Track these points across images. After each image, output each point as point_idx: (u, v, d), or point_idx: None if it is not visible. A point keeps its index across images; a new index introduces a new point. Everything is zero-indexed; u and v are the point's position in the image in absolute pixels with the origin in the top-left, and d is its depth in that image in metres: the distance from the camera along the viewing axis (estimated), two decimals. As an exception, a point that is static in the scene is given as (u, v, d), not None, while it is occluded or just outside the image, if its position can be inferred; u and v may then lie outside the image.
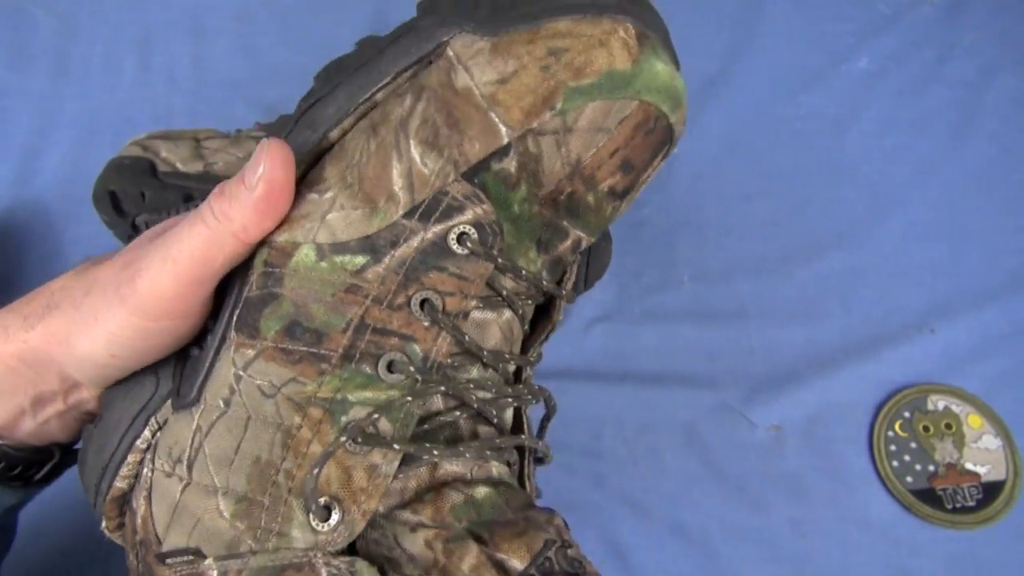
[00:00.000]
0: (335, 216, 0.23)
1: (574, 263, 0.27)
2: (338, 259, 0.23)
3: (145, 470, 0.24)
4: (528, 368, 0.26)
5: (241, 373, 0.22)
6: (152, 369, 0.26)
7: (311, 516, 0.20)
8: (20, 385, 0.26)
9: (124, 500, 0.25)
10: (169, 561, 0.22)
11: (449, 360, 0.23)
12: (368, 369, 0.21)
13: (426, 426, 0.22)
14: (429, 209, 0.22)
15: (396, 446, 0.21)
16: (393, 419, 0.21)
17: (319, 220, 0.23)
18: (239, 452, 0.21)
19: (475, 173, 0.23)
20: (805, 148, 0.51)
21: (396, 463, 0.21)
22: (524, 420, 0.26)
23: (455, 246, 0.22)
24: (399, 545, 0.21)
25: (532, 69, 0.22)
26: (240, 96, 0.53)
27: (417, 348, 0.22)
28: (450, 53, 0.23)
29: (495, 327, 0.24)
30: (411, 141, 0.23)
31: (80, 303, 0.25)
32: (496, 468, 0.23)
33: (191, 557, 0.21)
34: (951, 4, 0.56)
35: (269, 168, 0.23)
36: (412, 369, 0.22)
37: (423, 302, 0.22)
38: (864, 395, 0.44)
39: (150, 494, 0.23)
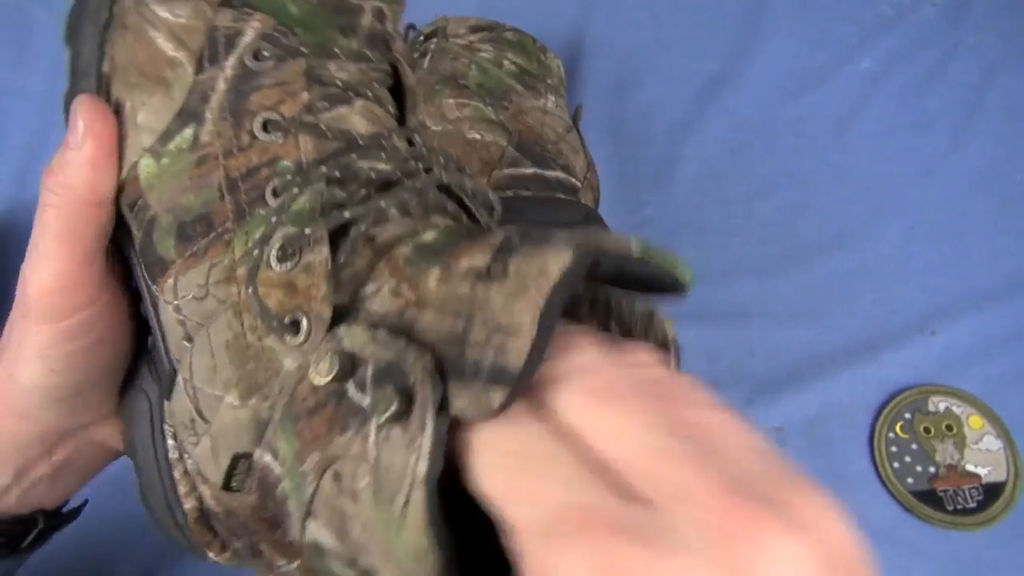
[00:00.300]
0: (143, 115, 0.23)
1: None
2: (172, 146, 0.22)
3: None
4: (416, 138, 0.25)
5: (177, 302, 0.22)
6: (138, 387, 0.26)
7: (285, 338, 0.20)
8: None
9: (204, 515, 0.24)
10: (234, 485, 0.22)
11: (327, 157, 0.22)
12: (261, 210, 0.21)
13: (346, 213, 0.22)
14: (212, 51, 0.22)
15: (307, 229, 0.20)
16: (298, 219, 0.21)
17: (135, 130, 0.23)
18: (215, 355, 0.21)
19: (223, 0, 0.23)
20: (807, 149, 0.51)
21: (324, 248, 0.20)
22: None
23: (255, 64, 0.22)
24: (371, 315, 0.20)
25: None
26: (241, 96, 0.53)
27: (286, 162, 0.22)
28: None
29: (354, 117, 0.23)
30: (152, 7, 0.23)
31: (2, 345, 0.25)
32: (440, 221, 0.23)
33: (245, 465, 0.21)
34: (953, 5, 0.56)
35: (89, 120, 0.23)
36: (290, 178, 0.21)
37: (264, 124, 0.22)
38: (865, 396, 0.44)
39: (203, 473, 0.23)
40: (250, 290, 0.21)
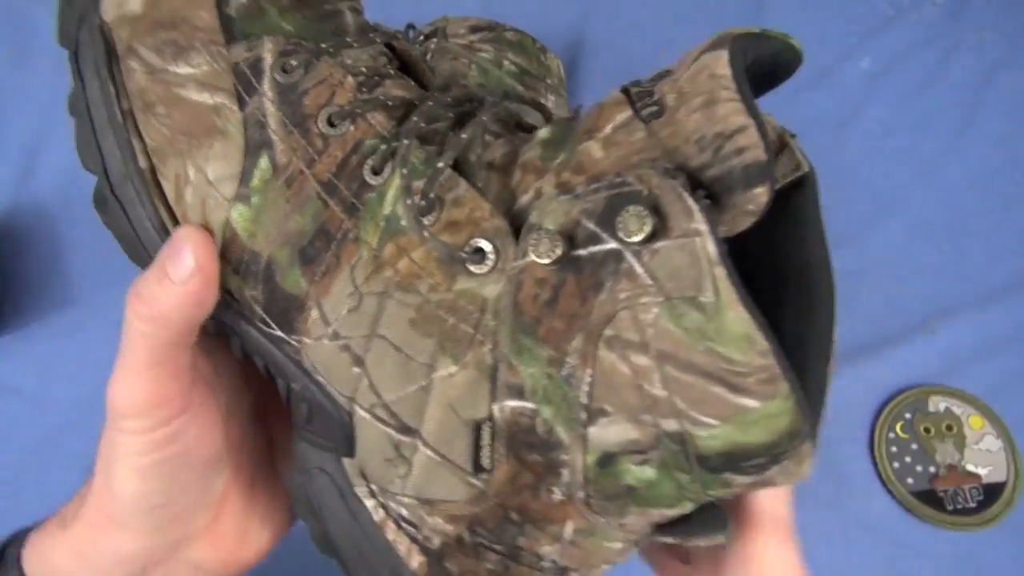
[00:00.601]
0: (213, 169, 0.22)
1: None
2: (255, 182, 0.22)
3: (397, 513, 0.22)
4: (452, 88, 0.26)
5: (332, 328, 0.21)
6: (305, 471, 0.24)
7: (475, 269, 0.20)
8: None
9: (436, 561, 0.22)
10: (484, 463, 0.21)
11: (402, 118, 0.23)
12: (369, 195, 0.21)
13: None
14: (244, 84, 0.22)
15: (432, 172, 0.20)
16: (420, 173, 0.21)
17: (211, 188, 0.22)
18: (403, 346, 0.21)
19: (228, 39, 0.23)
20: (807, 148, 0.51)
21: (459, 179, 0.21)
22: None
23: (288, 77, 0.22)
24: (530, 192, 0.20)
25: None
26: (241, 96, 0.53)
27: (368, 141, 0.22)
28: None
29: (395, 89, 0.23)
30: (171, 69, 0.22)
31: (97, 470, 0.24)
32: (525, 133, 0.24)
33: (488, 432, 0.20)
34: (954, 4, 0.56)
35: (201, 257, 0.22)
36: (384, 148, 0.22)
37: (329, 119, 0.22)
38: (865, 396, 0.44)
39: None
40: (425, 241, 0.20)
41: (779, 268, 0.21)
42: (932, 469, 0.43)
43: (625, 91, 0.19)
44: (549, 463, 0.19)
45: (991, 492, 0.42)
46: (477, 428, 0.20)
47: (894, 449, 0.43)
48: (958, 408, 0.44)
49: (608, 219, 0.17)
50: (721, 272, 0.16)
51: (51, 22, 0.59)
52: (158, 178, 0.23)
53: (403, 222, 0.21)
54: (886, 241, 0.49)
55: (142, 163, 0.23)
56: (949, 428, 0.44)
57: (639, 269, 0.17)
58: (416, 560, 0.22)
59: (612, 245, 0.17)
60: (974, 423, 0.44)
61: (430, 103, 0.22)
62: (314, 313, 0.22)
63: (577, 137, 0.20)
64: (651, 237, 0.17)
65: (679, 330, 0.17)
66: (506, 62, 0.45)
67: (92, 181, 0.44)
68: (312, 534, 0.25)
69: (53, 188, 0.51)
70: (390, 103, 0.22)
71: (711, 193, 0.17)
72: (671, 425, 0.18)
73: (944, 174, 0.51)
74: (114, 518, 0.24)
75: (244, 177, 0.22)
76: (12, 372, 0.46)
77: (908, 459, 0.43)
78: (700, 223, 0.16)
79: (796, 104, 0.53)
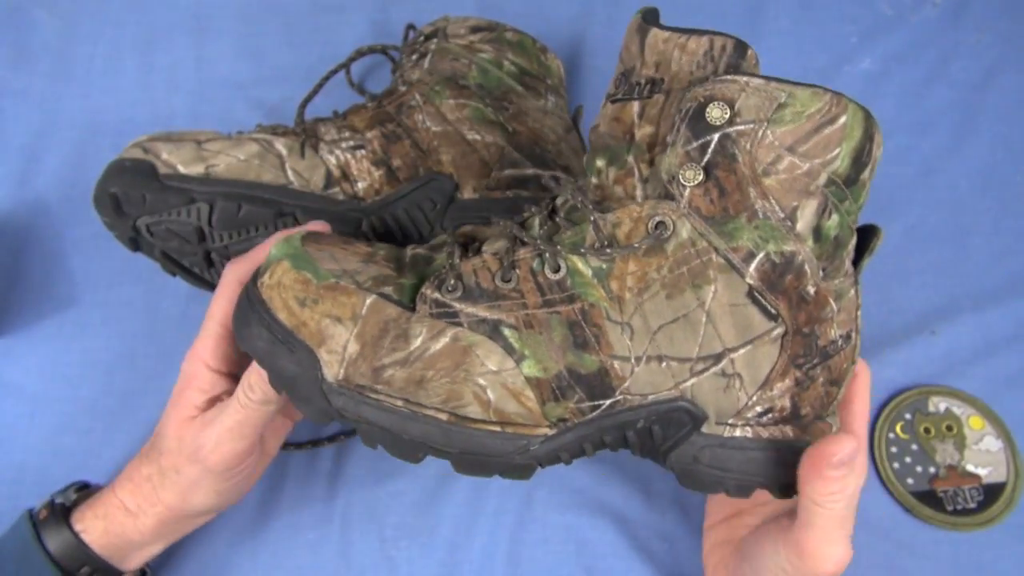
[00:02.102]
0: (490, 364, 0.30)
1: None
2: (516, 345, 0.30)
3: None
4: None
5: (633, 356, 0.30)
6: (692, 466, 0.32)
7: (665, 235, 0.28)
8: (162, 536, 0.37)
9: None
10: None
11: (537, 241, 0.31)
12: (569, 283, 0.30)
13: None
14: (445, 316, 0.30)
15: (592, 216, 0.30)
16: (577, 239, 0.30)
17: (501, 375, 0.30)
18: (676, 313, 0.29)
19: (410, 307, 0.31)
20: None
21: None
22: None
23: (453, 292, 0.31)
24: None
25: None
26: (242, 97, 0.53)
27: (535, 265, 0.30)
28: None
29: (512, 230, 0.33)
30: (410, 350, 0.30)
31: (176, 482, 0.34)
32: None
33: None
34: (954, 5, 0.56)
35: None
36: (548, 257, 0.30)
37: (503, 279, 0.30)
38: (865, 397, 0.44)
39: None
40: (628, 256, 0.29)
41: None
42: (932, 469, 0.43)
43: (613, 99, 0.31)
44: (797, 273, 0.28)
45: (991, 492, 0.42)
46: (751, 296, 0.28)
47: (894, 449, 0.43)
48: (958, 408, 0.44)
49: (700, 126, 0.28)
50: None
51: (51, 22, 0.59)
52: (459, 412, 0.30)
53: (604, 266, 0.29)
54: (886, 241, 0.49)
55: (443, 416, 0.30)
56: (949, 428, 0.44)
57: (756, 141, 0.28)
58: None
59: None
60: (974, 423, 0.44)
61: (527, 217, 0.32)
62: (615, 365, 0.29)
63: (617, 141, 0.31)
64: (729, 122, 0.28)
65: (785, 127, 0.27)
66: (506, 62, 0.45)
67: (92, 181, 0.44)
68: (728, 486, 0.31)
69: (53, 188, 0.51)
70: (525, 239, 0.31)
71: None
72: (821, 178, 0.28)
73: (944, 174, 0.51)
74: (185, 516, 0.36)
75: (507, 349, 0.30)
76: (12, 372, 0.46)
77: (908, 459, 0.43)
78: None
79: (796, 104, 0.52)
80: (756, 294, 0.28)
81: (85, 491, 0.38)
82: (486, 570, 0.41)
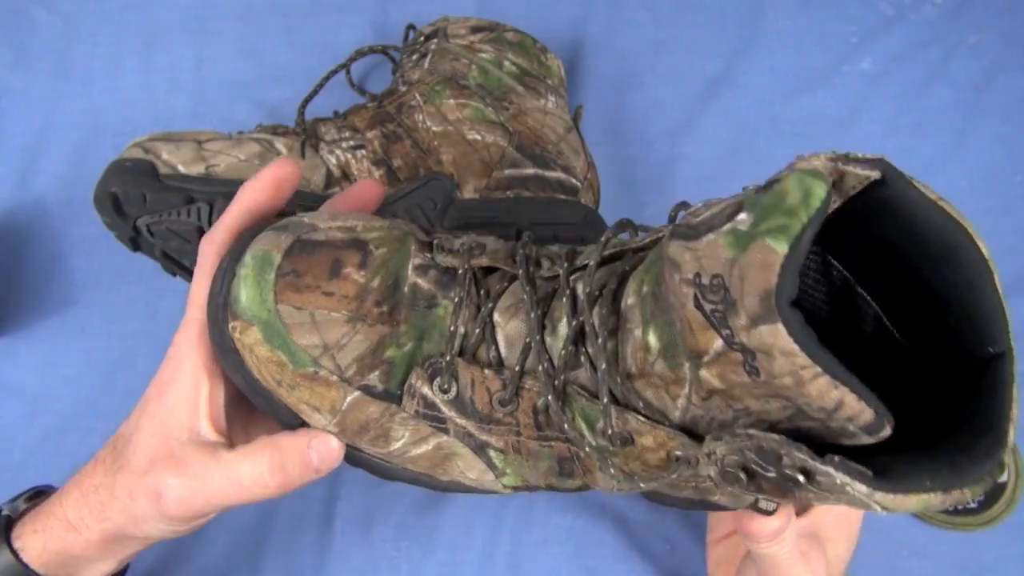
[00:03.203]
0: (472, 474, 0.30)
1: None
2: (500, 466, 0.30)
3: None
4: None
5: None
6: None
7: (681, 468, 0.25)
8: (111, 554, 0.32)
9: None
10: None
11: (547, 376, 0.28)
12: (570, 430, 0.28)
13: None
14: (435, 422, 0.29)
15: (603, 402, 0.27)
16: (591, 412, 0.27)
17: (482, 483, 0.31)
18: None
19: (390, 400, 0.29)
20: (808, 149, 0.51)
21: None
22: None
23: (448, 395, 0.29)
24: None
25: None
26: (242, 97, 0.53)
27: (539, 402, 0.28)
28: None
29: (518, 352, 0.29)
30: (392, 449, 0.30)
31: (128, 507, 0.29)
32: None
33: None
34: (954, 4, 0.56)
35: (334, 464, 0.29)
36: (553, 402, 0.28)
37: (501, 404, 0.28)
38: (866, 397, 0.44)
39: None
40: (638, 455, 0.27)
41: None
42: (932, 469, 0.43)
43: (698, 305, 0.21)
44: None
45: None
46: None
47: (894, 449, 0.43)
48: (958, 408, 0.44)
49: (770, 459, 0.22)
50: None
51: (51, 22, 0.59)
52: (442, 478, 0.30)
53: (611, 447, 0.26)
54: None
55: (426, 475, 0.30)
56: (949, 428, 0.44)
57: (812, 490, 0.21)
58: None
59: (784, 472, 0.22)
60: (974, 423, 0.44)
61: (553, 355, 0.28)
62: (598, 484, 0.29)
63: (686, 350, 0.23)
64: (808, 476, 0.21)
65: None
66: (506, 62, 0.45)
67: (92, 181, 0.44)
68: None
69: (53, 188, 0.51)
70: (526, 370, 0.28)
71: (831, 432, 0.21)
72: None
73: (944, 174, 0.51)
74: (136, 537, 0.31)
75: (492, 468, 0.29)
76: (12, 372, 0.46)
77: (908, 459, 0.43)
78: (843, 478, 0.20)
79: (796, 104, 0.53)
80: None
81: (37, 498, 0.34)
82: (486, 571, 0.41)
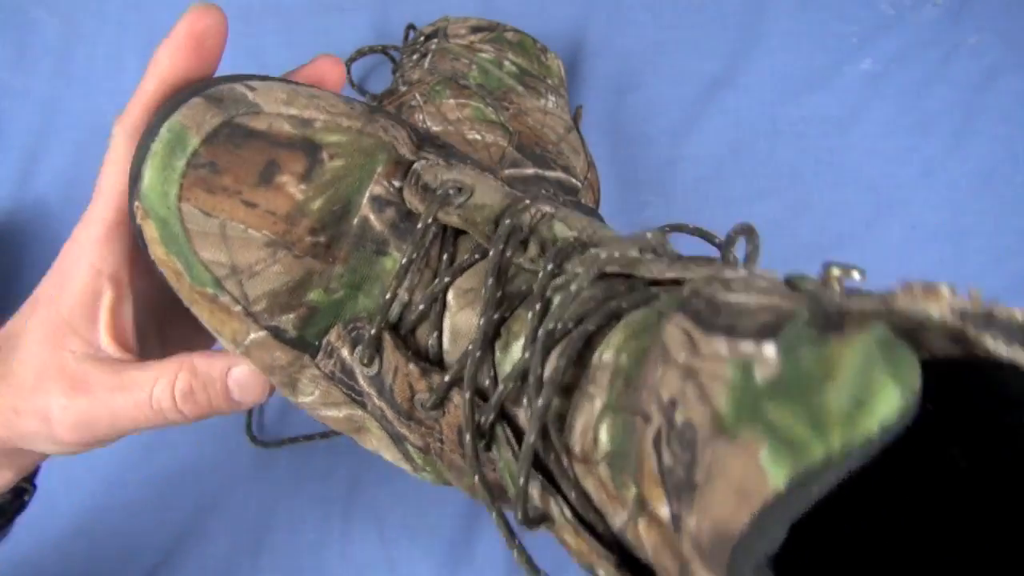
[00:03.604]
0: (386, 455, 0.25)
1: None
2: (419, 462, 0.24)
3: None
4: None
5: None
6: None
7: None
8: (3, 465, 0.28)
9: None
10: None
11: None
12: (498, 463, 0.22)
13: None
14: (350, 391, 0.24)
15: (522, 479, 0.21)
16: (514, 479, 0.22)
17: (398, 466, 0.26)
18: None
19: (311, 355, 0.24)
20: (808, 149, 0.51)
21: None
22: None
23: (369, 369, 0.23)
24: None
25: None
26: (241, 97, 0.53)
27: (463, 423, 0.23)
28: None
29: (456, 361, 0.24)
30: (300, 401, 0.25)
31: (11, 421, 0.25)
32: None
33: None
34: (955, 5, 0.55)
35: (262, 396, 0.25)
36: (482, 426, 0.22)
37: (423, 407, 0.23)
38: (866, 397, 0.44)
39: None
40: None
41: None
42: (933, 470, 0.43)
43: (656, 447, 0.15)
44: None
45: None
46: None
47: (895, 450, 0.43)
48: (959, 409, 0.44)
49: None
50: None
51: (51, 22, 0.59)
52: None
53: (525, 524, 0.21)
54: (886, 241, 0.49)
55: None
56: (950, 429, 0.44)
57: None
58: None
59: None
60: (975, 424, 0.44)
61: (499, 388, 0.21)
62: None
63: (635, 480, 0.16)
64: None
65: None
66: (507, 62, 0.45)
67: (92, 181, 0.44)
68: None
69: (54, 190, 0.51)
70: (459, 384, 0.21)
71: None
72: None
73: (944, 175, 0.51)
74: (20, 449, 0.27)
75: (408, 459, 0.24)
76: (12, 372, 0.46)
77: (909, 460, 0.43)
78: None
79: (796, 104, 0.53)
80: None
81: None
82: (487, 571, 0.41)
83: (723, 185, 0.50)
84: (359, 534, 0.42)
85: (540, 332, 0.19)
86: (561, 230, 0.22)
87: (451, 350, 0.22)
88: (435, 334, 0.22)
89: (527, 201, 0.23)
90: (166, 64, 0.25)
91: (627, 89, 0.54)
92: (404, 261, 0.22)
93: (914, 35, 0.55)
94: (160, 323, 0.28)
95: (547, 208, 0.23)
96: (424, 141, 0.25)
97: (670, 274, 0.19)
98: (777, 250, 0.48)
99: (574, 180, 0.44)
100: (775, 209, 0.50)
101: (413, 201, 0.23)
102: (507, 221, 0.21)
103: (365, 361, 0.22)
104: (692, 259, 0.21)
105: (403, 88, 0.45)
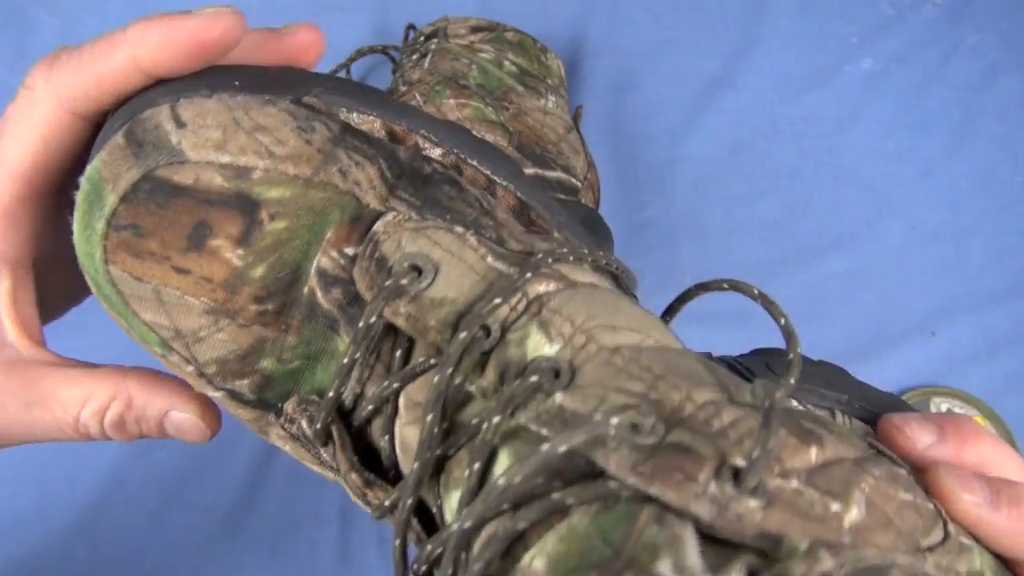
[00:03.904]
0: None
1: None
2: None
3: None
4: None
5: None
6: None
7: None
8: None
9: None
10: None
11: None
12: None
13: None
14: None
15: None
16: None
17: None
18: None
19: (276, 417, 0.22)
20: (808, 149, 0.51)
21: None
22: None
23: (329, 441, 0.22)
24: None
25: None
26: (241, 97, 0.53)
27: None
28: None
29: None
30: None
31: None
32: None
33: None
34: (954, 5, 0.55)
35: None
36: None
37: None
38: (866, 397, 0.44)
39: None
40: None
41: None
42: (933, 470, 0.43)
43: None
44: None
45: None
46: None
47: (895, 450, 0.43)
48: (960, 409, 0.44)
49: None
50: None
51: (51, 22, 0.59)
52: None
53: None
54: (886, 241, 0.49)
55: None
56: (950, 429, 0.44)
57: None
58: None
59: None
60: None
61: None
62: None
63: None
64: None
65: None
66: (507, 62, 0.45)
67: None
68: None
69: (53, 188, 0.51)
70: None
71: None
72: None
73: (945, 175, 0.51)
74: None
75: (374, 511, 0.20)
76: (12, 372, 0.46)
77: (909, 460, 0.43)
78: None
79: (796, 104, 0.52)
80: None
81: None
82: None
83: (723, 185, 0.50)
84: (359, 534, 0.42)
85: (470, 510, 0.16)
86: (536, 345, 0.18)
87: (403, 460, 0.19)
88: (386, 437, 0.19)
89: (520, 276, 0.18)
90: (149, 48, 0.20)
91: (627, 89, 0.54)
92: (346, 361, 0.19)
93: (914, 35, 0.55)
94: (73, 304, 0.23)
95: (543, 287, 0.18)
96: (403, 175, 0.20)
97: (634, 480, 0.15)
98: (776, 249, 0.48)
99: (574, 180, 0.44)
100: (774, 209, 0.49)
101: (361, 284, 0.19)
102: (462, 335, 0.17)
103: (320, 443, 0.20)
104: (674, 451, 0.15)
105: (403, 88, 0.45)
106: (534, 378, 0.17)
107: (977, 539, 0.17)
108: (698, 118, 0.52)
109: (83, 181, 0.19)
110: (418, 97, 0.44)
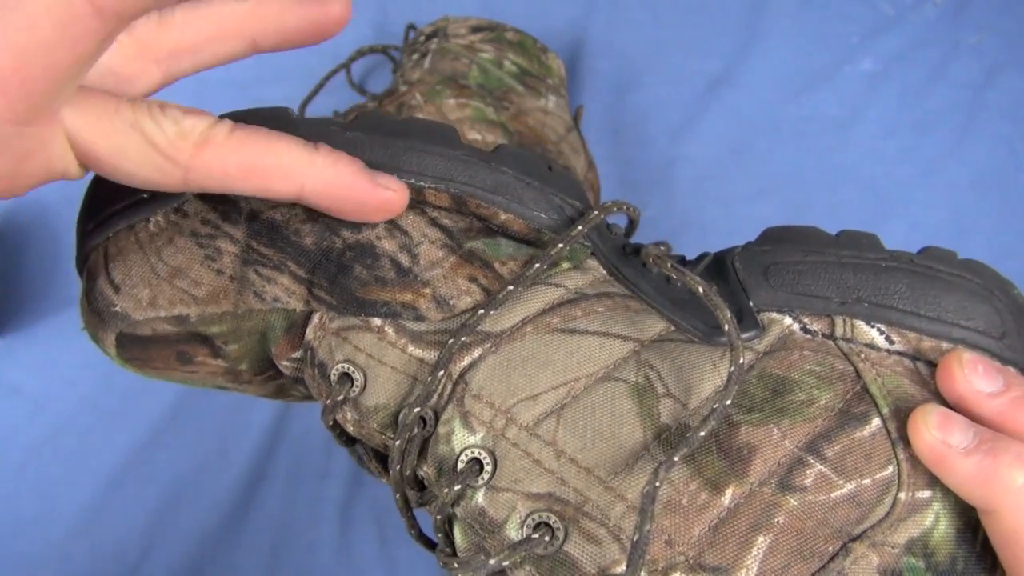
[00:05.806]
0: None
1: None
2: None
3: None
4: None
5: None
6: None
7: None
8: None
9: None
10: None
11: None
12: None
13: None
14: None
15: None
16: None
17: None
18: None
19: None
20: (808, 149, 0.51)
21: None
22: None
23: None
24: None
25: None
26: (242, 97, 0.53)
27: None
28: None
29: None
30: None
31: None
32: None
33: None
34: (955, 4, 0.55)
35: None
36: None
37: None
38: (866, 397, 0.44)
39: None
40: None
41: None
42: (933, 470, 0.43)
43: None
44: None
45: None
46: None
47: (895, 449, 0.43)
48: (959, 408, 0.44)
49: None
50: None
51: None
52: None
53: None
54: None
55: None
56: (950, 428, 0.44)
57: None
58: None
59: None
60: (975, 423, 0.44)
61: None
62: None
63: None
64: None
65: None
66: (507, 62, 0.45)
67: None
68: None
69: (54, 189, 0.51)
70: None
71: None
72: None
73: (945, 175, 0.51)
74: None
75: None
76: (12, 372, 0.46)
77: (909, 460, 0.43)
78: None
79: (796, 104, 0.53)
80: None
81: None
82: (486, 570, 0.41)
83: (723, 185, 0.50)
84: (359, 534, 0.42)
85: None
86: (462, 440, 0.19)
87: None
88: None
89: (441, 360, 0.19)
90: (273, 14, 0.22)
91: (627, 89, 0.54)
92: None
93: (914, 35, 0.55)
94: None
95: (468, 359, 0.20)
96: (315, 266, 0.21)
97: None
98: (777, 250, 0.48)
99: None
100: (774, 208, 0.49)
101: (314, 391, 0.21)
102: (397, 442, 0.19)
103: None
104: (560, 565, 0.18)
105: (403, 88, 0.45)
106: (462, 477, 0.19)
107: (948, 487, 0.18)
108: (698, 118, 0.52)
109: (81, 310, 0.23)
110: (418, 97, 0.44)
